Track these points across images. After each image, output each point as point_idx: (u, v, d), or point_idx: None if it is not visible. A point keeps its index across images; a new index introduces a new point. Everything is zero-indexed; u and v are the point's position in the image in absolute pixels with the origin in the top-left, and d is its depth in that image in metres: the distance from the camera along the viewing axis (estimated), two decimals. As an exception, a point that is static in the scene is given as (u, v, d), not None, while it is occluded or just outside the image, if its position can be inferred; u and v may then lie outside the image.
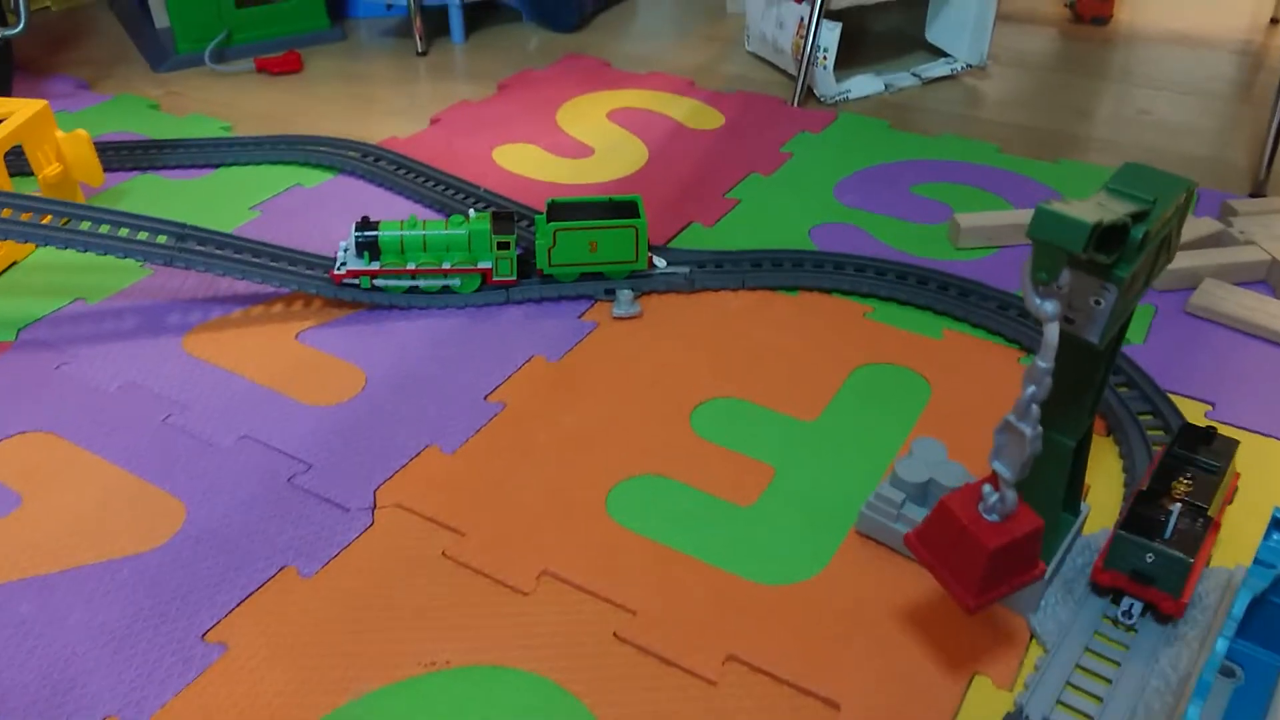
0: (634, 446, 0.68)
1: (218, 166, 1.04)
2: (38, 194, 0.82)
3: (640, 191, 0.98)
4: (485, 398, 0.73)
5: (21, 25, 1.10)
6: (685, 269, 0.84)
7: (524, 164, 1.04)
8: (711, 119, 1.14)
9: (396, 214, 0.95)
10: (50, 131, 0.90)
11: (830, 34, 1.14)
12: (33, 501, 0.64)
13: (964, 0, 1.21)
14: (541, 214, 0.82)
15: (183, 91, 1.23)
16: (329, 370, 0.76)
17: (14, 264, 0.88)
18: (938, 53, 1.27)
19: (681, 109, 1.16)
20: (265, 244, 0.82)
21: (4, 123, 0.86)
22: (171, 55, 1.29)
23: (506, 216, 0.82)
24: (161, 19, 1.36)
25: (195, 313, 0.82)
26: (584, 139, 1.09)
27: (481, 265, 0.81)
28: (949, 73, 1.24)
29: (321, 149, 1.05)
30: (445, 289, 0.82)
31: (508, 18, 1.43)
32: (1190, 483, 0.56)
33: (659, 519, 0.62)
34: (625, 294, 0.81)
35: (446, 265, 0.81)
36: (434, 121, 1.14)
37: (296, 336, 0.79)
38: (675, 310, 0.81)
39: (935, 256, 0.87)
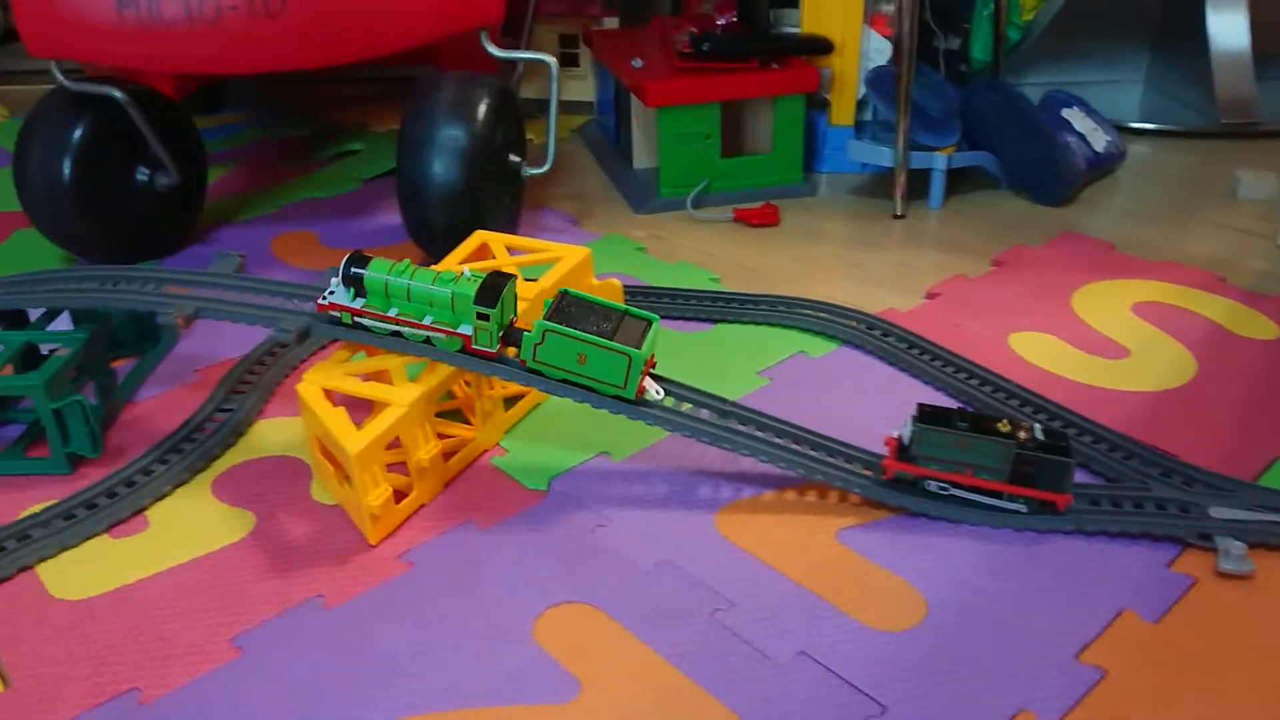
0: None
1: (716, 322, 1.02)
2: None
3: (1201, 410, 0.85)
4: (1075, 656, 0.62)
5: (548, 163, 1.15)
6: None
7: (1046, 356, 0.94)
8: (1258, 326, 0.99)
9: (909, 396, 0.87)
10: (587, 278, 0.91)
11: None
12: (591, 691, 0.60)
13: None
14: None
15: (666, 236, 1.24)
16: (879, 584, 0.68)
17: (537, 405, 0.88)
18: None
19: (1217, 309, 1.02)
20: (804, 430, 0.76)
21: (553, 269, 0.88)
22: (653, 198, 1.31)
23: (495, 285, 0.71)
24: (640, 160, 1.40)
25: (724, 488, 0.77)
26: (1111, 334, 0.97)
27: (462, 330, 0.72)
28: None
29: (822, 315, 1.00)
30: (428, 341, 0.74)
31: (984, 184, 1.35)
32: None
33: None
34: (1234, 547, 0.67)
35: (428, 320, 0.72)
36: (930, 296, 1.06)
37: (836, 535, 0.72)
38: (1293, 576, 0.67)
39: None
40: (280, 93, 1.80)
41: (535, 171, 1.16)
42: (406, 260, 0.74)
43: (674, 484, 0.78)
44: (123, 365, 0.94)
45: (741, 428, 0.75)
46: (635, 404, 0.72)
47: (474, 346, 0.73)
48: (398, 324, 0.74)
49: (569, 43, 1.64)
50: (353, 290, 0.74)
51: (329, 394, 0.75)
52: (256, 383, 0.92)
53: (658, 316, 0.73)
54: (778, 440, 0.75)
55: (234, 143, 1.58)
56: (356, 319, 0.75)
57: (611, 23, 1.61)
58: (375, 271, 0.73)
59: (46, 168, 1.07)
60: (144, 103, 1.09)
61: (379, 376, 0.78)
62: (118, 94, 1.06)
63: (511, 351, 0.74)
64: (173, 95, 1.23)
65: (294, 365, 0.96)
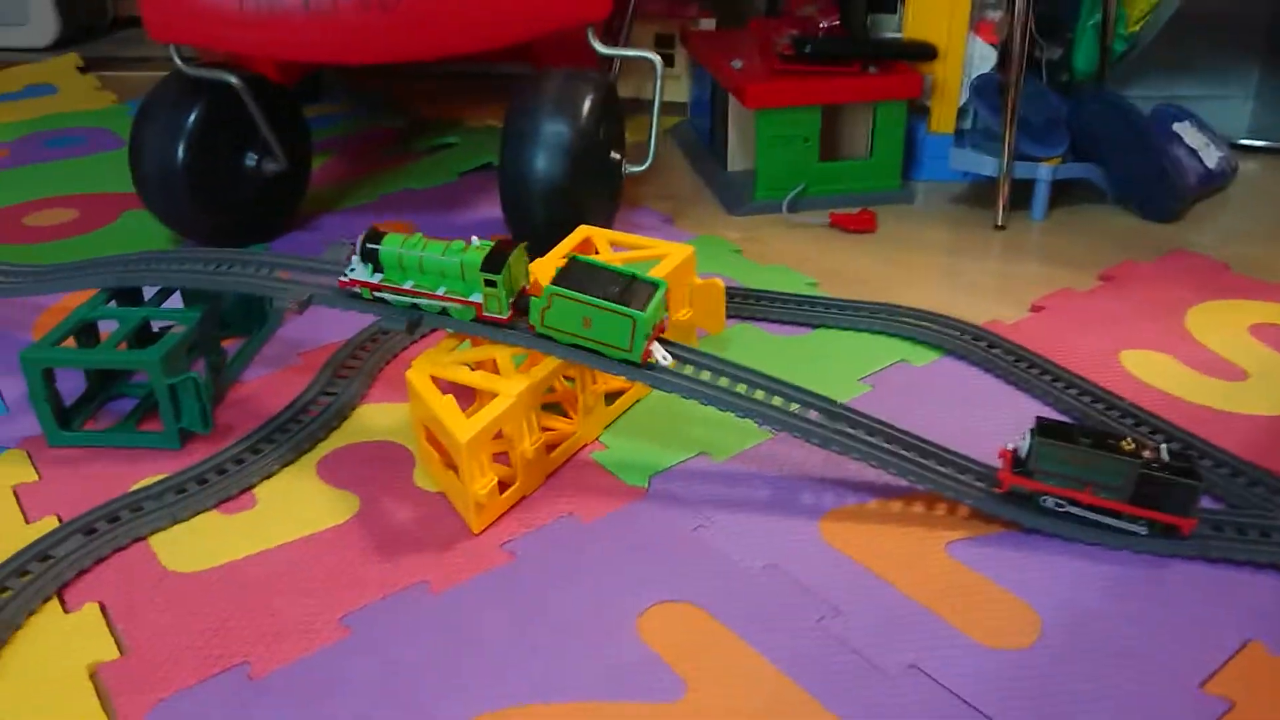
0: None
1: (815, 327, 1.01)
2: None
3: (1326, 437, 0.81)
4: (1200, 686, 0.59)
5: (649, 161, 1.15)
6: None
7: (1159, 375, 0.91)
8: (1386, 353, 0.94)
9: (1017, 410, 0.85)
10: (689, 276, 0.91)
11: None
12: (698, 692, 0.60)
13: None
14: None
15: (761, 238, 1.23)
16: (991, 600, 0.66)
17: (637, 402, 0.88)
18: None
19: (1340, 334, 0.98)
20: (914, 437, 0.75)
21: (657, 266, 0.87)
22: (748, 201, 1.30)
23: (501, 252, 0.73)
24: (735, 162, 1.39)
25: (828, 493, 0.76)
26: (1228, 356, 0.94)
27: (474, 299, 0.74)
28: None
29: (924, 324, 0.98)
30: (444, 312, 0.76)
31: (1090, 197, 1.32)
32: None
33: None
34: (1368, 582, 0.65)
35: (441, 291, 0.75)
36: (1036, 309, 1.04)
37: (945, 548, 0.71)
38: None
39: None
40: (375, 85, 1.83)
41: (635, 169, 1.16)
42: (419, 234, 0.77)
43: (776, 487, 0.77)
44: (230, 345, 0.95)
45: (851, 431, 0.74)
46: (641, 368, 0.73)
47: (485, 314, 0.75)
48: (413, 296, 0.76)
49: (665, 43, 1.64)
50: (370, 265, 0.76)
51: (436, 381, 0.76)
52: (360, 368, 0.93)
53: (664, 282, 0.74)
54: (888, 446, 0.73)
55: (331, 133, 1.61)
56: (376, 293, 0.77)
57: (708, 24, 1.61)
58: (389, 245, 0.75)
59: (161, 150, 1.10)
60: (256, 89, 1.11)
61: (486, 366, 0.78)
62: (233, 79, 1.09)
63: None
64: (281, 80, 1.25)
65: (395, 352, 0.96)
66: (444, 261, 0.74)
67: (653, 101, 1.14)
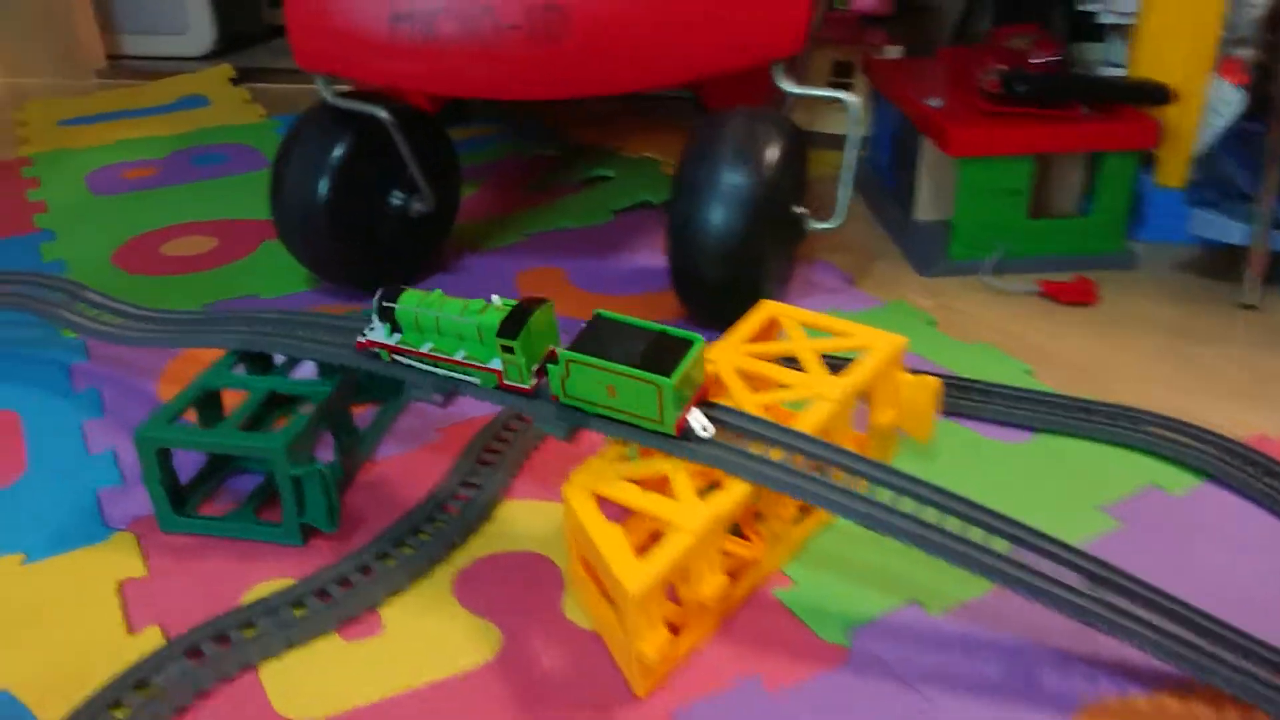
0: None
1: (1036, 430, 0.84)
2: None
3: None
4: None
5: (838, 219, 1.00)
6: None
7: None
8: None
9: (1313, 570, 0.68)
10: (896, 371, 0.76)
11: None
12: None
13: None
14: None
15: (958, 307, 1.07)
16: None
17: (827, 525, 0.74)
18: None
19: None
20: (1203, 615, 0.58)
21: (861, 360, 0.73)
22: (942, 260, 1.14)
23: (522, 313, 0.65)
24: (925, 211, 1.23)
25: (1076, 675, 0.60)
26: None
27: (493, 365, 0.66)
28: None
29: (1174, 436, 0.81)
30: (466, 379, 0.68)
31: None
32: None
33: None
34: None
35: (460, 355, 0.67)
36: (1313, 420, 0.85)
37: (1248, 777, 0.54)
38: None
39: None
40: (526, 107, 1.73)
41: (822, 226, 1.01)
42: (438, 291, 0.70)
43: (1012, 662, 0.62)
44: (362, 412, 0.86)
45: (1117, 601, 0.58)
46: (679, 441, 0.63)
47: (505, 382, 0.67)
48: (430, 359, 0.69)
49: (842, 71, 1.49)
50: (389, 326, 0.70)
51: (598, 499, 0.63)
52: (505, 452, 0.81)
53: (701, 337, 0.63)
54: (1172, 629, 0.57)
55: (478, 159, 1.51)
56: (394, 356, 0.71)
57: (894, 52, 1.45)
58: (406, 304, 0.69)
59: (303, 187, 1.01)
60: (406, 123, 1.02)
61: (656, 483, 0.65)
62: (384, 114, 0.99)
63: None
64: (429, 110, 1.15)
65: (544, 434, 0.85)
66: (461, 323, 0.67)
67: (847, 150, 1.00)
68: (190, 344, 0.82)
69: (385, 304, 0.69)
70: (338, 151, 1.01)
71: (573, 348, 0.63)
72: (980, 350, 0.98)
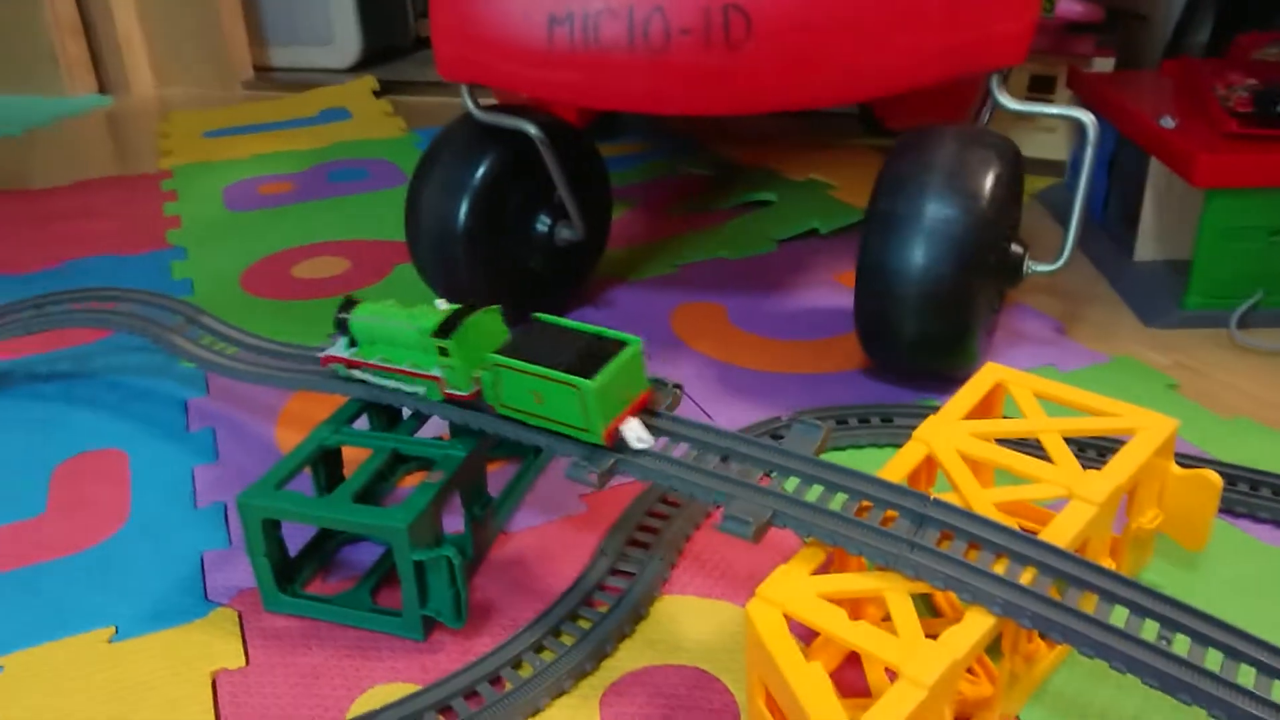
0: None
1: (1330, 540, 0.66)
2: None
3: None
4: None
5: (1064, 260, 0.84)
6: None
7: None
8: None
9: None
10: (1166, 463, 0.60)
11: None
12: None
13: None
14: None
15: (1200, 368, 0.89)
16: None
17: (1062, 661, 0.58)
18: None
19: None
20: None
21: (1128, 448, 0.57)
22: (1174, 308, 0.96)
23: (460, 314, 0.62)
24: (1147, 249, 1.05)
25: None
26: None
27: (435, 372, 0.62)
28: None
29: None
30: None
31: None
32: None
33: None
34: None
35: (406, 365, 0.64)
36: None
37: None
38: None
39: None
40: (679, 121, 1.61)
41: (1042, 269, 0.85)
42: (392, 300, 0.67)
43: None
44: (496, 471, 0.74)
45: None
46: (610, 451, 0.57)
47: (446, 390, 0.63)
48: (377, 370, 0.66)
49: (1041, 86, 1.32)
50: (346, 339, 0.67)
51: (790, 622, 0.49)
52: (662, 531, 0.68)
53: (638, 339, 0.58)
54: None
55: (628, 178, 1.40)
56: (349, 370, 0.67)
57: (1104, 64, 1.27)
58: (359, 315, 0.66)
59: (440, 210, 0.91)
60: (556, 139, 0.90)
61: (862, 607, 0.51)
62: (532, 130, 0.87)
63: None
64: (577, 123, 1.04)
65: (708, 511, 0.71)
66: (406, 330, 0.63)
67: (1081, 175, 0.83)
68: (306, 387, 0.72)
69: (340, 315, 0.67)
70: (479, 171, 0.90)
71: (502, 351, 0.59)
72: (1240, 426, 0.80)
